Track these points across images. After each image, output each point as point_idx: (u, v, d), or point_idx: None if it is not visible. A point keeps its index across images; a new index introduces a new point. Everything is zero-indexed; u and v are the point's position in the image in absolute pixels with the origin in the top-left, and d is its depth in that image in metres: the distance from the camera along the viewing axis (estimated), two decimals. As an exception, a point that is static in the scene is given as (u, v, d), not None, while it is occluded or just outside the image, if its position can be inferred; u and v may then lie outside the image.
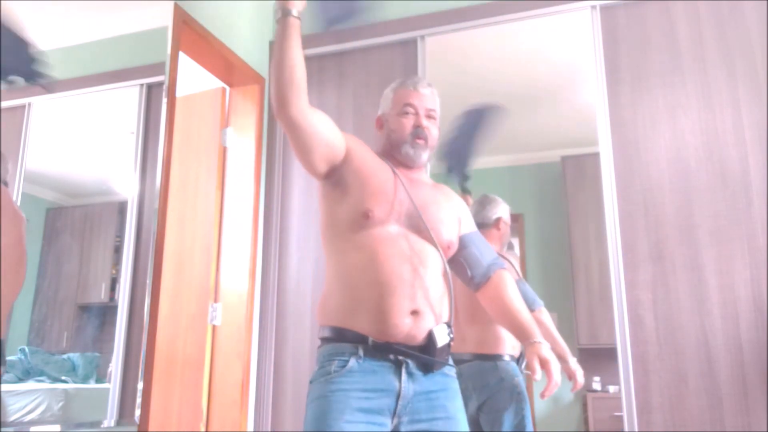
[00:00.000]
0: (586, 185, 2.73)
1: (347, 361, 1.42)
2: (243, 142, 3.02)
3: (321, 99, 3.02)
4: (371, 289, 1.43)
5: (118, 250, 2.34)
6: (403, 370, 1.43)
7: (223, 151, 3.03)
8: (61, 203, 2.28)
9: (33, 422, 2.02)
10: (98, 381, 2.21)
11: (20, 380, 2.03)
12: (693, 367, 2.27)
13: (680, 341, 2.30)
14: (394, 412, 1.41)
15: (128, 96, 2.45)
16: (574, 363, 2.26)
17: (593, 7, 2.65)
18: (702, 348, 2.27)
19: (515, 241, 2.80)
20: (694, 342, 2.28)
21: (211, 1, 2.78)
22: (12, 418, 1.97)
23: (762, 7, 2.46)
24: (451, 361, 1.53)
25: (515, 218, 2.72)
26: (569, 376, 2.26)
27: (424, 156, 1.64)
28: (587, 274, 2.69)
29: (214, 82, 3.06)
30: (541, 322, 2.26)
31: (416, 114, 1.64)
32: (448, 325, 1.49)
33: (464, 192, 2.66)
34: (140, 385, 2.19)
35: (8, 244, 1.85)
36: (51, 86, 1.52)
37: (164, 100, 2.40)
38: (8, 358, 1.98)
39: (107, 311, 2.27)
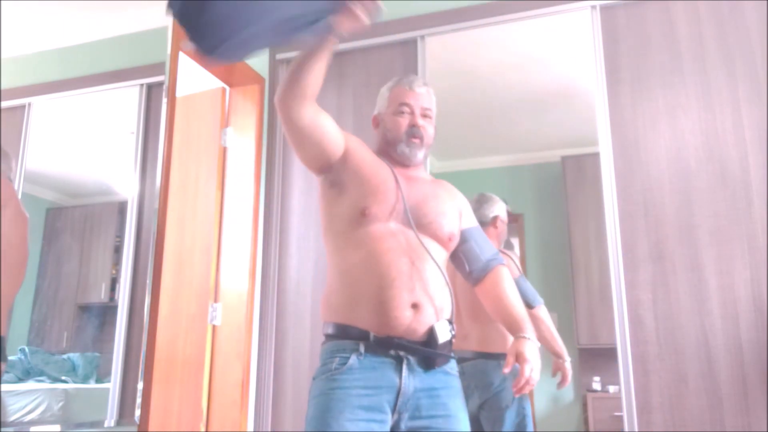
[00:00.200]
0: (586, 185, 2.73)
1: (348, 359, 1.42)
2: (243, 142, 3.02)
3: (321, 99, 2.97)
4: (370, 282, 1.44)
5: (118, 250, 2.34)
6: (404, 366, 1.43)
7: (223, 151, 3.03)
8: (61, 203, 2.28)
9: (33, 422, 2.02)
10: (98, 381, 2.21)
11: (20, 380, 2.03)
12: (693, 367, 2.27)
13: (680, 341, 2.30)
14: (395, 408, 1.42)
15: (128, 96, 2.45)
16: (567, 363, 2.27)
17: (593, 7, 2.65)
18: (702, 348, 2.27)
19: (515, 241, 2.80)
20: (694, 342, 2.28)
21: (211, 1, 2.77)
22: (12, 418, 1.97)
23: (762, 7, 2.46)
24: (453, 361, 1.53)
25: (515, 218, 2.72)
26: (563, 373, 2.28)
27: (420, 155, 1.65)
28: (587, 274, 2.69)
29: (214, 82, 3.06)
30: (540, 319, 2.28)
31: (412, 113, 1.65)
32: (450, 321, 1.50)
33: None
34: (140, 385, 2.19)
35: (12, 243, 1.85)
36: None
37: (164, 100, 2.40)
38: (9, 357, 1.98)
39: (107, 311, 2.27)
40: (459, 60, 2.84)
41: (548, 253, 2.79)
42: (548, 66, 2.85)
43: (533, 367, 1.48)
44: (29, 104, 2.20)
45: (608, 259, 2.44)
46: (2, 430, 1.91)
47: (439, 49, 2.83)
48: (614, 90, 2.57)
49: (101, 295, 2.33)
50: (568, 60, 2.79)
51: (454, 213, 1.64)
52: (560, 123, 2.84)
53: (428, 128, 1.67)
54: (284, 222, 2.98)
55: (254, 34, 1.30)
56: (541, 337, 2.15)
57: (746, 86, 2.41)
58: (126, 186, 2.39)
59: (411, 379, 1.43)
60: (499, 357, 2.21)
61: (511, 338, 2.20)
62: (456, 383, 1.53)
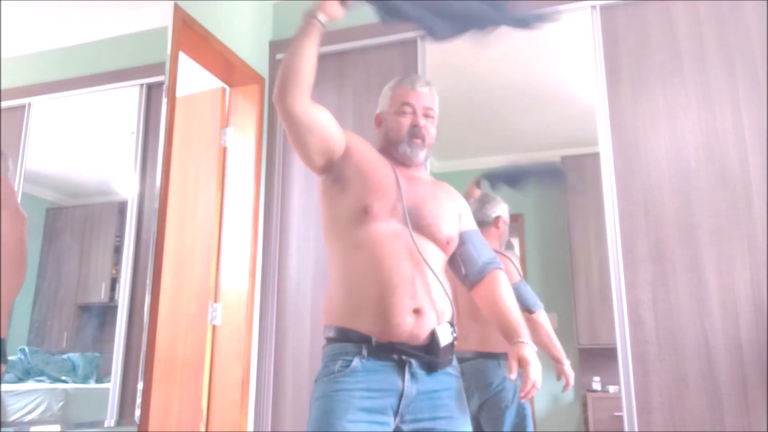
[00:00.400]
0: (586, 185, 2.73)
1: (351, 361, 1.42)
2: (243, 142, 3.02)
3: (321, 99, 2.97)
4: (372, 289, 1.43)
5: (118, 250, 2.33)
6: (406, 370, 1.43)
7: (223, 151, 3.03)
8: (61, 203, 2.28)
9: (33, 422, 2.02)
10: (98, 381, 2.21)
11: (20, 380, 2.03)
12: (693, 367, 2.27)
13: (680, 341, 2.30)
14: (397, 411, 1.41)
15: (128, 96, 2.45)
16: (568, 367, 2.26)
17: (593, 7, 2.65)
18: (702, 348, 2.27)
19: (515, 241, 2.80)
20: (694, 342, 2.28)
21: (211, 1, 2.78)
22: (12, 418, 1.97)
23: (762, 7, 2.46)
24: (455, 361, 1.53)
25: (515, 218, 2.72)
26: (565, 377, 2.27)
27: (421, 155, 1.65)
28: (587, 274, 2.69)
29: (214, 82, 3.06)
30: (540, 324, 2.27)
31: (414, 113, 1.64)
32: (451, 324, 1.49)
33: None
34: (140, 385, 2.19)
35: (10, 243, 1.85)
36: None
37: (164, 100, 2.40)
38: (8, 358, 1.99)
39: (107, 311, 2.27)
40: (459, 60, 2.83)
41: (548, 253, 2.79)
42: (548, 66, 2.85)
43: (536, 370, 1.47)
44: (29, 104, 2.20)
45: (608, 259, 2.44)
46: (2, 430, 1.92)
47: (439, 49, 2.83)
48: (614, 90, 2.57)
49: (101, 295, 2.33)
50: (568, 60, 2.79)
51: (453, 216, 1.63)
52: (560, 123, 2.84)
53: (430, 128, 1.66)
54: (284, 222, 2.98)
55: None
56: (540, 342, 2.15)
57: (746, 86, 2.41)
58: (126, 186, 2.39)
59: (413, 383, 1.43)
60: (498, 357, 2.21)
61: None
62: (457, 384, 1.52)
